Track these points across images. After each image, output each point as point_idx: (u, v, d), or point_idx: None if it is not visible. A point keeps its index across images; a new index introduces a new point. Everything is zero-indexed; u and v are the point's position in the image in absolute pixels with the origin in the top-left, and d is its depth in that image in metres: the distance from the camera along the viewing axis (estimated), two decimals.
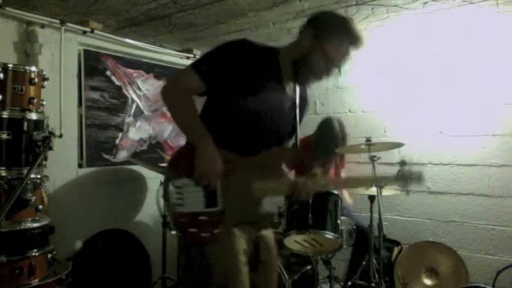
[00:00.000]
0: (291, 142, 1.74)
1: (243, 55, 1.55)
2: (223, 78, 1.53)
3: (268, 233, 1.74)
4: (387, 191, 2.91)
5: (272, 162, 1.61)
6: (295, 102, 1.68)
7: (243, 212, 1.56)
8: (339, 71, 1.58)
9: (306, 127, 3.22)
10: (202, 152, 1.49)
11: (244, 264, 1.55)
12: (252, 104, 1.55)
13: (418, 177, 1.62)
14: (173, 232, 1.54)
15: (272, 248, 1.74)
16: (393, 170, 1.63)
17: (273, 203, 1.67)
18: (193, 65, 1.59)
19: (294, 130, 1.71)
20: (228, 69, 1.53)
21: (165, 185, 1.53)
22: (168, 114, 1.69)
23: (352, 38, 1.54)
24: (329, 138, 3.15)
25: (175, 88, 1.59)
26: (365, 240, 3.01)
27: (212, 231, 1.49)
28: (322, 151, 3.12)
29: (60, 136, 2.71)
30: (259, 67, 1.56)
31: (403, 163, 1.67)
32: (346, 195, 3.46)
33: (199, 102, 1.68)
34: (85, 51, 3.21)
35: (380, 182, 1.77)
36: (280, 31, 3.15)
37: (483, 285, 2.76)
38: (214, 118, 1.58)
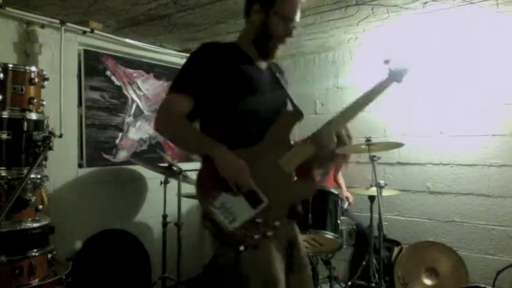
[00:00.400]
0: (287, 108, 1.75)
1: (210, 55, 1.57)
2: (204, 84, 1.54)
3: (298, 232, 1.75)
4: (387, 191, 2.91)
5: (281, 133, 1.60)
6: (275, 76, 1.72)
7: (286, 193, 1.54)
8: (295, 27, 1.60)
9: (306, 127, 3.23)
10: (221, 159, 1.47)
11: (281, 272, 1.55)
12: (242, 95, 1.57)
13: (406, 70, 1.73)
14: (241, 248, 1.48)
15: (303, 247, 1.75)
16: None
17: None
18: (171, 88, 1.59)
19: (286, 99, 1.73)
20: (205, 74, 1.54)
21: (205, 215, 1.48)
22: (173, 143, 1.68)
23: None
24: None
25: (165, 117, 1.57)
26: (365, 240, 3.01)
27: (273, 226, 1.47)
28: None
29: (60, 136, 2.71)
30: (230, 60, 1.59)
31: (386, 61, 1.76)
32: (347, 193, 3.46)
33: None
34: (85, 51, 3.21)
35: (380, 89, 1.79)
36: None
37: (483, 285, 2.75)
38: (213, 126, 1.58)
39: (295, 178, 1.58)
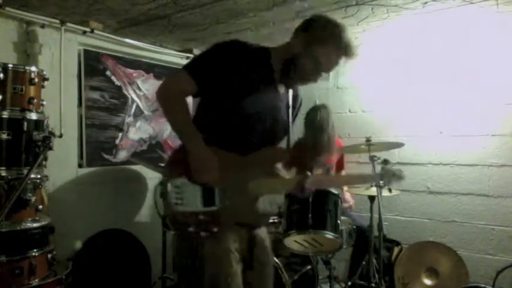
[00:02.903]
0: (284, 142, 1.74)
1: (235, 55, 1.56)
2: (216, 79, 1.55)
3: (262, 230, 1.74)
4: (387, 191, 2.91)
5: (266, 161, 1.61)
6: (288, 102, 1.69)
7: (240, 211, 1.56)
8: (327, 75, 1.59)
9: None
10: (194, 151, 1.51)
11: (237, 264, 1.55)
12: (245, 104, 1.56)
13: (399, 175, 1.66)
14: (175, 232, 1.56)
15: (266, 244, 1.74)
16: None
17: (272, 202, 1.66)
18: (186, 67, 1.60)
19: (287, 129, 1.71)
20: (221, 70, 1.54)
21: (163, 184, 1.53)
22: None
23: (344, 47, 1.54)
24: (315, 126, 3.15)
25: (168, 89, 1.60)
26: (365, 240, 3.01)
27: (210, 229, 1.50)
28: (311, 140, 3.09)
29: (60, 136, 2.71)
30: (252, 67, 1.57)
31: (385, 162, 1.79)
32: (348, 197, 3.45)
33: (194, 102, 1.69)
34: (85, 51, 3.21)
35: (368, 180, 1.84)
36: (280, 31, 3.15)
37: (483, 285, 2.75)
38: (208, 119, 1.60)
39: (257, 204, 1.59)
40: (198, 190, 1.52)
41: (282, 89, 1.67)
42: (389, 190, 1.87)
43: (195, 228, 1.49)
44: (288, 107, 1.69)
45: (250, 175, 1.56)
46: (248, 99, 1.56)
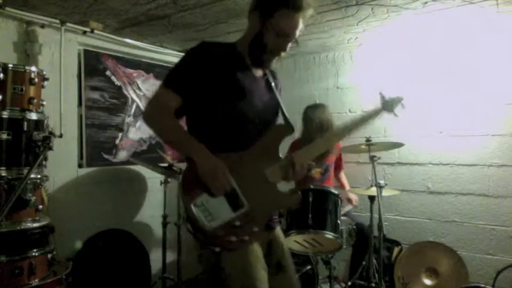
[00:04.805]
0: (279, 120, 1.75)
1: (206, 56, 1.56)
2: (195, 84, 1.54)
3: (279, 232, 1.75)
4: (387, 191, 2.91)
5: (271, 144, 1.61)
6: (269, 83, 1.71)
7: (267, 202, 1.56)
8: (295, 42, 1.58)
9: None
10: (200, 159, 1.48)
11: (263, 271, 1.54)
12: (230, 99, 1.56)
13: (399, 99, 1.82)
14: (216, 249, 1.51)
15: (286, 247, 1.75)
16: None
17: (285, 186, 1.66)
18: (163, 83, 1.59)
19: (277, 109, 1.72)
20: (197, 74, 1.54)
21: (187, 210, 1.50)
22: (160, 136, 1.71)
23: (293, 4, 1.52)
24: (312, 125, 3.18)
25: (153, 111, 1.58)
26: (365, 240, 3.01)
27: (250, 231, 1.49)
28: (308, 139, 3.09)
29: (60, 136, 2.71)
30: (225, 62, 1.57)
31: (381, 94, 1.83)
32: (351, 194, 3.45)
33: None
34: (85, 51, 3.21)
35: (370, 118, 1.81)
36: None
37: (483, 285, 2.75)
38: (201, 126, 1.58)
39: (279, 188, 1.58)
40: (222, 199, 1.48)
41: (258, 74, 1.68)
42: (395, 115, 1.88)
43: (235, 236, 1.47)
44: (271, 88, 1.70)
45: (264, 162, 1.56)
46: (231, 94, 1.56)
